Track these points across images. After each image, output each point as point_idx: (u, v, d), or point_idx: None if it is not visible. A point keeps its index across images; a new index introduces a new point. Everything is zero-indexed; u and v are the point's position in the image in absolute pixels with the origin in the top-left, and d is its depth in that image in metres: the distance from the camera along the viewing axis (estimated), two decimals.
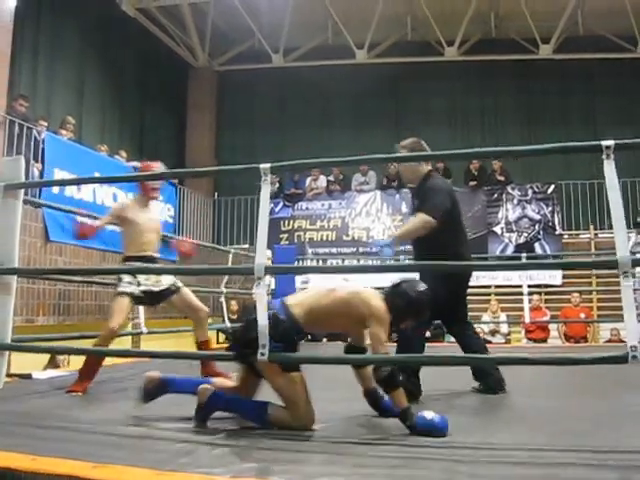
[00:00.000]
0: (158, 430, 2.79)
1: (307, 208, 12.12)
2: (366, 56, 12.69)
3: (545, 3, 11.68)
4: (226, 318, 8.10)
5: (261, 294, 2.91)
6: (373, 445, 2.55)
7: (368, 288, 3.02)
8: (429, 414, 2.73)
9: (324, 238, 11.87)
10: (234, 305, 9.93)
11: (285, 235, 11.93)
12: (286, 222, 12.08)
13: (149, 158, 10.65)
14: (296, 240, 11.80)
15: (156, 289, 4.31)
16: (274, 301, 3.04)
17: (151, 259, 4.38)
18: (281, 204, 12.15)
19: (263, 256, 3.00)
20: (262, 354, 2.79)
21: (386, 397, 3.08)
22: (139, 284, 4.21)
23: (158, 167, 4.40)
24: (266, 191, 3.06)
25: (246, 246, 11.01)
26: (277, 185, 12.38)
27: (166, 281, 4.36)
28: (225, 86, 14.28)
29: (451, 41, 12.37)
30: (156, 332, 7.02)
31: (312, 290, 3.11)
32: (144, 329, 6.24)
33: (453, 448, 2.48)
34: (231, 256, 8.25)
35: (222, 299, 8.10)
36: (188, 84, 14.21)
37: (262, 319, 2.83)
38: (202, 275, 10.16)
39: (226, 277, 8.30)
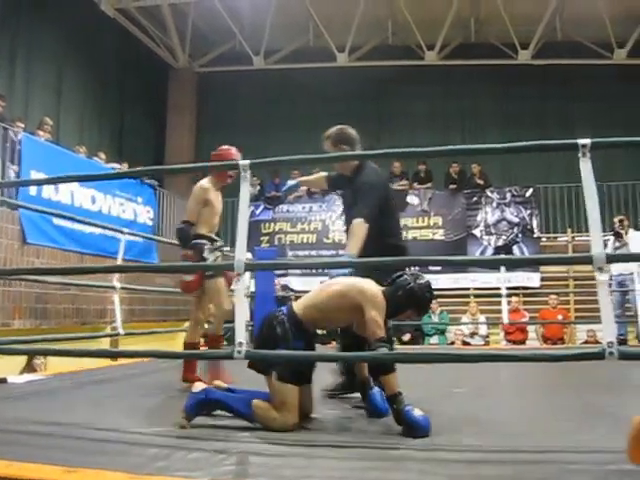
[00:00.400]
0: (135, 434, 2.76)
1: (288, 211, 12.11)
2: (347, 59, 12.73)
3: (524, 9, 11.79)
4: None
5: (240, 291, 2.92)
6: (350, 448, 2.55)
7: (366, 280, 3.04)
8: (418, 411, 2.76)
9: (305, 241, 11.87)
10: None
11: (266, 237, 11.92)
12: (267, 225, 12.06)
13: (128, 160, 10.70)
14: (276, 243, 11.79)
15: None
16: (283, 308, 3.08)
17: (214, 240, 4.71)
18: (262, 207, 12.14)
19: (243, 252, 3.00)
20: (239, 352, 2.79)
21: (375, 390, 3.12)
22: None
23: (236, 154, 4.52)
24: (245, 188, 3.07)
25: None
26: (258, 188, 12.35)
27: None
28: (206, 87, 14.22)
29: (432, 45, 12.44)
30: (134, 333, 6.98)
31: (313, 289, 3.15)
32: (121, 330, 6.18)
33: (429, 450, 2.49)
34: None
35: None
36: (168, 85, 14.14)
37: (240, 316, 2.84)
38: (181, 273, 10.15)
39: None
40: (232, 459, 2.35)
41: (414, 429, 2.70)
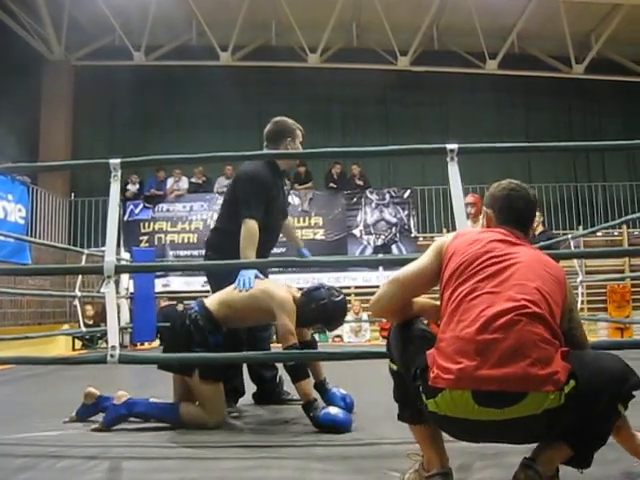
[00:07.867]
0: None
1: (168, 210, 11.85)
2: (230, 59, 12.63)
3: (403, 18, 12.18)
4: (82, 323, 7.74)
5: (110, 294, 2.86)
6: (230, 447, 2.54)
7: (279, 285, 3.06)
8: (334, 409, 2.79)
9: (185, 240, 11.66)
10: (90, 310, 9.52)
11: (145, 237, 11.59)
12: (146, 224, 11.73)
13: None
14: (157, 242, 11.48)
15: None
16: (193, 303, 3.06)
17: None
18: (141, 205, 11.80)
19: (112, 253, 2.95)
20: (112, 356, 2.74)
21: (334, 390, 3.12)
22: None
23: None
24: (116, 188, 3.02)
25: (104, 249, 10.59)
26: (137, 186, 12.02)
27: None
28: (83, 82, 13.56)
29: (314, 48, 12.59)
30: (3, 339, 6.60)
31: (230, 287, 3.12)
32: None
33: (308, 446, 2.51)
34: (85, 257, 7.89)
35: (76, 302, 7.73)
36: (42, 78, 13.35)
37: (112, 319, 2.79)
38: (53, 275, 9.71)
39: (79, 279, 7.95)
40: (104, 465, 2.27)
41: (335, 428, 2.72)
